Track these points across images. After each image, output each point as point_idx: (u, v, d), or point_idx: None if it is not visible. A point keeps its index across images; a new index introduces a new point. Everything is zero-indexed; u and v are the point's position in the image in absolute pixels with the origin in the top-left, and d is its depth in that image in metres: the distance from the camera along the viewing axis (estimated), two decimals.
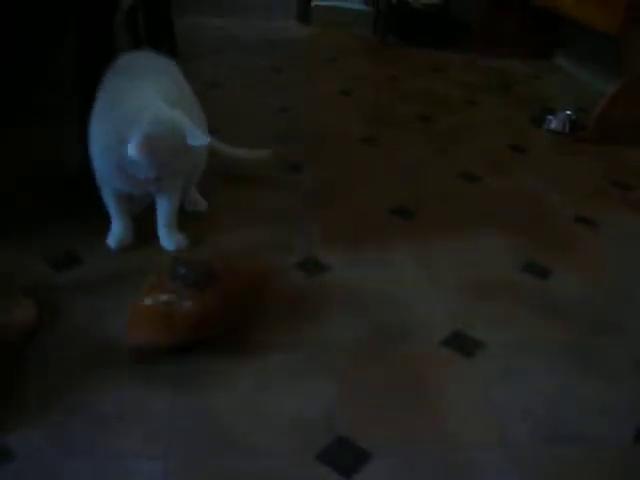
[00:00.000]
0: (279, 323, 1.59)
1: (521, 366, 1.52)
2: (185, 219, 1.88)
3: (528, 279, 1.85)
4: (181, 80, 1.86)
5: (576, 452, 1.31)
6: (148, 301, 1.46)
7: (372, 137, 2.69)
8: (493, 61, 3.88)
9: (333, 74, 3.49)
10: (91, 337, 1.50)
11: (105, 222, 1.85)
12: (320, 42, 4.06)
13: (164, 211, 1.80)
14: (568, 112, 2.94)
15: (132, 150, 1.54)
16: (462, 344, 1.56)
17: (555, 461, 1.29)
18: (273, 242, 1.90)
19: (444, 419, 1.36)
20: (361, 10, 4.38)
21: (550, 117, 2.96)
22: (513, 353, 1.56)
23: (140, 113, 1.58)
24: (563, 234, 2.10)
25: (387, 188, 2.28)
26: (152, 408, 1.33)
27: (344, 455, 1.26)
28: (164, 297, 1.45)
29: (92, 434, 1.26)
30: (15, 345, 1.42)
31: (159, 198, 1.79)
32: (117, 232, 1.80)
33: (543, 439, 1.33)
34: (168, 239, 1.82)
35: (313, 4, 4.38)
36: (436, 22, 4.11)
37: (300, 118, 2.83)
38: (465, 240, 2.00)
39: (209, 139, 1.59)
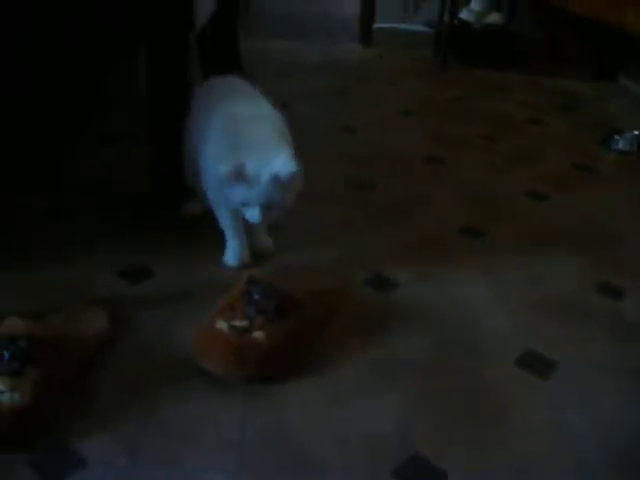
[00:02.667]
0: (349, 338, 1.59)
1: (595, 387, 1.49)
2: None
3: (600, 299, 1.81)
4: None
5: None
6: (222, 324, 1.47)
7: (437, 157, 2.68)
8: (556, 82, 3.84)
9: (396, 95, 3.50)
10: (161, 349, 1.52)
11: (175, 237, 1.91)
12: (382, 64, 4.08)
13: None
14: (636, 132, 2.89)
15: (221, 169, 1.57)
16: (534, 363, 1.54)
17: None
18: (343, 258, 1.91)
19: (519, 440, 1.33)
20: (422, 32, 4.39)
21: (617, 137, 2.91)
22: (586, 374, 1.53)
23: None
24: (634, 255, 2.06)
25: (453, 206, 2.27)
26: (223, 421, 1.33)
27: (420, 473, 1.25)
28: (237, 323, 1.46)
29: (164, 445, 1.27)
30: (90, 355, 1.45)
31: None
32: (236, 250, 1.82)
33: (620, 463, 1.30)
34: (255, 239, 1.87)
35: (374, 27, 4.41)
36: (498, 43, 4.09)
37: (365, 138, 2.84)
38: (535, 259, 1.98)
39: (297, 168, 1.58)
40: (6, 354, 1.28)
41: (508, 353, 1.57)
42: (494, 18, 4.10)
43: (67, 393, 1.36)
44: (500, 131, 3.04)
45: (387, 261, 1.90)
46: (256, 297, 1.50)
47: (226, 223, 1.81)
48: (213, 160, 1.68)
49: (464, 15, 4.13)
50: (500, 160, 2.71)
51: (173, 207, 2.01)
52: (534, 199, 2.37)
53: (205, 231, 1.91)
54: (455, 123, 3.11)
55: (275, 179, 1.57)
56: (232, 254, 1.83)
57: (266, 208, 1.62)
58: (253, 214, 1.63)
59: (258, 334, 1.45)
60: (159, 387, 1.41)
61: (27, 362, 1.28)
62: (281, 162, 1.57)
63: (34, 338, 1.33)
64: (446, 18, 4.07)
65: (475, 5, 4.14)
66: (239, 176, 1.56)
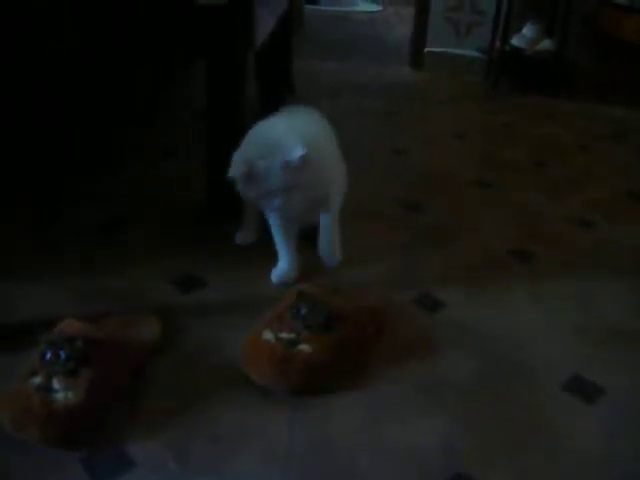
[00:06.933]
0: (396, 356, 1.59)
1: None
2: (299, 252, 1.91)
3: None
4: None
5: None
6: (268, 335, 1.49)
7: (485, 180, 2.68)
8: (607, 109, 3.81)
9: (446, 118, 3.51)
10: (211, 358, 1.54)
11: (228, 250, 1.96)
12: (433, 87, 4.09)
13: (323, 230, 1.87)
14: None
15: (232, 173, 1.62)
16: (581, 388, 1.53)
17: None
18: (390, 277, 1.92)
19: (565, 464, 1.32)
20: (473, 57, 4.39)
21: None
22: (634, 400, 1.51)
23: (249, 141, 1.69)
24: None
25: (501, 230, 2.27)
26: (269, 431, 1.35)
27: None
28: (284, 335, 1.48)
29: (211, 452, 1.29)
30: (143, 360, 1.48)
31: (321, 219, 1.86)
32: (282, 268, 1.84)
33: None
34: (325, 248, 1.88)
35: (426, 50, 4.44)
36: (549, 69, 4.08)
37: (414, 159, 2.85)
38: (583, 286, 1.96)
39: (304, 151, 1.59)
40: (62, 354, 1.32)
41: (556, 378, 1.56)
42: (546, 45, 4.09)
43: (119, 395, 1.39)
44: (549, 157, 3.02)
45: (435, 281, 1.91)
46: (303, 311, 1.52)
47: (278, 239, 1.84)
48: None
49: (516, 41, 4.13)
50: (549, 185, 2.70)
51: (227, 220, 2.05)
52: (583, 225, 2.36)
53: (259, 245, 1.96)
54: (504, 147, 3.11)
55: (286, 167, 1.61)
56: (277, 271, 1.85)
57: (290, 194, 1.65)
58: (279, 202, 1.66)
59: (304, 347, 1.46)
60: (208, 395, 1.43)
61: (82, 362, 1.32)
62: (287, 149, 1.60)
63: (90, 339, 1.36)
64: (497, 44, 4.08)
65: (527, 31, 4.14)
66: (252, 174, 1.60)
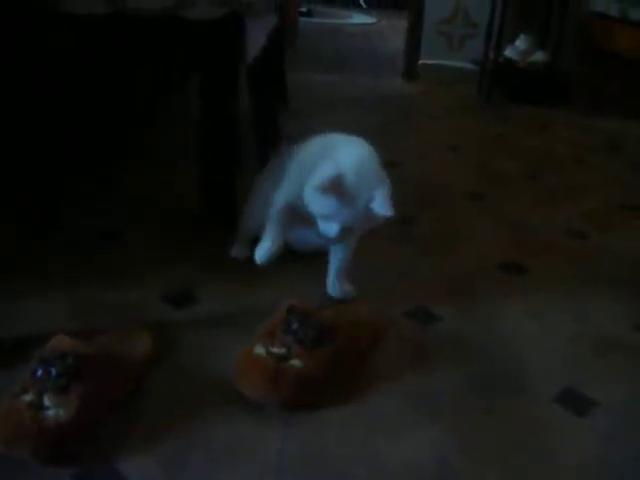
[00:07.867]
0: (390, 370, 1.58)
1: (637, 428, 1.46)
2: (294, 264, 1.91)
3: None
4: None
5: None
6: (260, 350, 1.47)
7: (479, 192, 2.68)
8: (601, 120, 3.83)
9: (440, 129, 3.52)
10: (204, 373, 1.53)
11: (222, 262, 1.95)
12: (426, 99, 4.11)
13: (336, 260, 1.84)
14: None
15: (314, 183, 1.53)
16: (574, 401, 1.52)
17: None
18: (384, 291, 1.91)
19: (562, 475, 1.31)
20: (466, 68, 4.42)
21: None
22: (628, 414, 1.51)
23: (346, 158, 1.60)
24: None
25: (495, 243, 2.27)
26: (262, 444, 1.34)
27: None
28: (275, 349, 1.47)
29: (205, 467, 1.28)
30: (136, 376, 1.47)
31: (333, 248, 1.83)
32: (266, 249, 1.71)
33: None
34: (335, 287, 1.85)
35: (419, 62, 4.46)
36: (542, 80, 4.10)
37: (408, 171, 2.85)
38: (577, 297, 1.96)
39: (393, 213, 1.54)
40: (53, 370, 1.31)
41: (551, 389, 1.55)
42: (539, 57, 4.11)
43: (112, 412, 1.38)
44: (543, 168, 3.04)
45: (429, 295, 1.90)
46: (294, 327, 1.51)
47: (272, 224, 1.73)
48: (303, 166, 1.64)
49: (509, 53, 4.16)
50: (543, 197, 2.71)
51: (223, 231, 2.06)
52: (577, 237, 2.36)
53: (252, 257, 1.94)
54: (498, 159, 3.12)
55: (369, 212, 1.56)
56: (261, 252, 1.72)
57: (344, 229, 1.60)
58: (330, 229, 1.59)
59: (295, 362, 1.45)
60: (201, 410, 1.42)
61: (74, 379, 1.31)
62: (381, 199, 1.56)
63: (82, 356, 1.35)
64: (491, 55, 4.11)
65: (520, 43, 4.17)
66: (334, 189, 1.52)
